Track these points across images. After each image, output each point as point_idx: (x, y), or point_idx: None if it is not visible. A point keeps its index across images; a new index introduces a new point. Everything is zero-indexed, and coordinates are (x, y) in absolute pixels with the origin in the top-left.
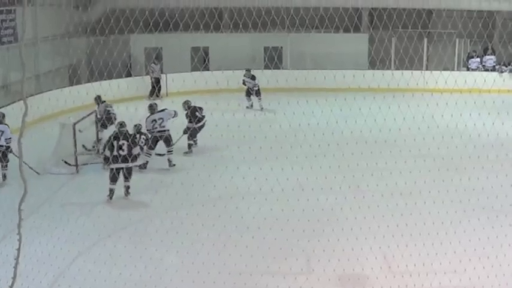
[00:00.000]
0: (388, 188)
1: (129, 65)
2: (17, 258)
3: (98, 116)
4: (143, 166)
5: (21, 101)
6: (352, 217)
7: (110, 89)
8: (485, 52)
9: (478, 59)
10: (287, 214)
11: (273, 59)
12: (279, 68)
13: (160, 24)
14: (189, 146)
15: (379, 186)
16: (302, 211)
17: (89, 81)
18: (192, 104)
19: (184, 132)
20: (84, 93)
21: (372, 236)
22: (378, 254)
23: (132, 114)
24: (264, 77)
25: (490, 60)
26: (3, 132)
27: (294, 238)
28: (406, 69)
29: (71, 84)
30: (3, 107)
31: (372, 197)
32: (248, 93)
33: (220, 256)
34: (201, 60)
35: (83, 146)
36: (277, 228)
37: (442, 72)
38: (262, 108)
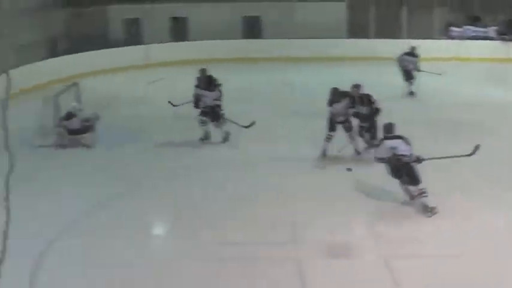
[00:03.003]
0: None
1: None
2: (5, 231)
3: None
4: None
5: (3, 75)
6: None
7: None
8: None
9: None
10: None
11: (252, 29)
12: (257, 38)
13: None
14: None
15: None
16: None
17: (70, 53)
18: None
19: None
20: (64, 65)
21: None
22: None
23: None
24: (243, 47)
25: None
26: None
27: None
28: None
29: (51, 56)
30: None
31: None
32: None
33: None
34: (181, 31)
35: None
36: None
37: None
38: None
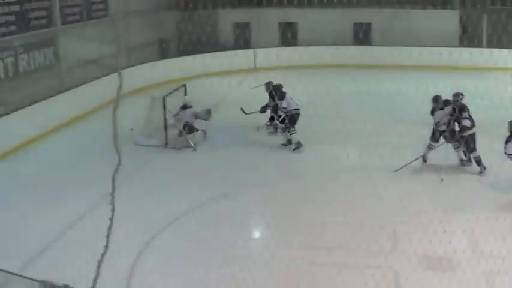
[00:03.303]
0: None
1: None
2: (109, 227)
3: None
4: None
5: (114, 74)
6: None
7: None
8: None
9: None
10: None
11: (362, 35)
12: (368, 44)
13: None
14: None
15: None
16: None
17: (179, 56)
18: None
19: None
20: (174, 67)
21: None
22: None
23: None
24: (352, 53)
25: None
26: None
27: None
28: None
29: (162, 58)
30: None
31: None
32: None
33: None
34: (290, 36)
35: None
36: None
37: None
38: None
